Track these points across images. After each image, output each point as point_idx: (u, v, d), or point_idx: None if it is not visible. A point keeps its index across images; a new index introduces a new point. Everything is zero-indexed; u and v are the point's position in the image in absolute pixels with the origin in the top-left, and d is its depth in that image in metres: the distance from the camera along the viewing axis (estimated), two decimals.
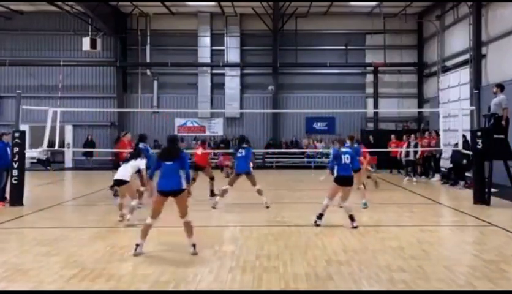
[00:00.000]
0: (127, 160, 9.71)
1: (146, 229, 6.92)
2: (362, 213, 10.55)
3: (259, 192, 11.13)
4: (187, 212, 6.89)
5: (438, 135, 16.08)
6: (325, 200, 8.90)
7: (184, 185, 6.86)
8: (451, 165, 15.86)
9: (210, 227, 9.04)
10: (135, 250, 6.81)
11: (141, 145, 11.26)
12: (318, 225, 8.77)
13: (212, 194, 12.32)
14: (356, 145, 11.48)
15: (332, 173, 8.93)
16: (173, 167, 6.86)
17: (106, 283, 5.62)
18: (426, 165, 18.10)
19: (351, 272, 5.99)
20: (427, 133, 18.73)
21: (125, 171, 9.22)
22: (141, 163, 9.48)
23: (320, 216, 8.89)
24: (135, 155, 9.68)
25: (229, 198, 11.86)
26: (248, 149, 11.42)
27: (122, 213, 9.30)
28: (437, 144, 16.37)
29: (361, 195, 11.09)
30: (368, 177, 14.41)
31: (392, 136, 20.51)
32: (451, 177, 15.74)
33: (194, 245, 6.82)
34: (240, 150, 11.20)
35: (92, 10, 21.23)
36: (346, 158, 8.82)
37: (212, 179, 12.55)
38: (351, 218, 8.70)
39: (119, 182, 9.22)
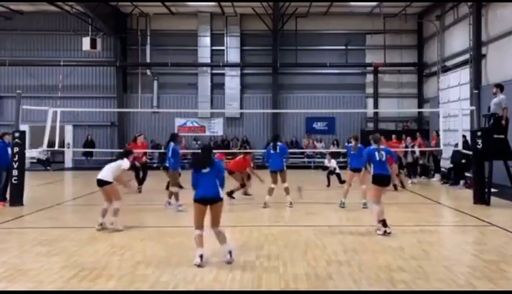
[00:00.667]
0: (111, 160, 9.33)
1: (199, 240, 6.46)
2: (362, 213, 10.56)
3: (286, 190, 11.34)
4: (219, 222, 6.59)
5: (438, 135, 16.04)
6: (376, 207, 8.36)
7: (222, 194, 6.59)
8: (451, 165, 15.83)
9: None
10: (200, 260, 6.28)
11: (171, 145, 11.10)
12: (388, 233, 8.06)
13: (230, 194, 12.13)
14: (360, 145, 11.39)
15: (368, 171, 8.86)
16: (209, 175, 6.54)
17: (106, 283, 5.62)
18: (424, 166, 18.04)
19: (351, 272, 5.99)
20: (417, 134, 18.58)
21: (107, 171, 8.69)
22: (123, 163, 8.88)
23: (383, 223, 8.18)
24: (123, 155, 9.17)
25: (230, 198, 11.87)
26: (283, 147, 11.64)
27: (103, 221, 8.65)
28: (437, 145, 16.35)
29: (363, 194, 11.10)
30: (397, 175, 14.76)
31: (393, 136, 20.48)
32: (451, 177, 15.73)
33: (230, 253, 6.52)
34: (273, 149, 11.40)
35: (92, 10, 21.23)
36: (381, 156, 8.39)
37: (242, 185, 12.52)
38: (384, 223, 8.16)
39: (101, 183, 8.63)
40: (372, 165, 8.51)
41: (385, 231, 8.09)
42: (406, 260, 6.57)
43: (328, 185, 15.48)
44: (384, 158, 8.42)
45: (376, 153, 8.44)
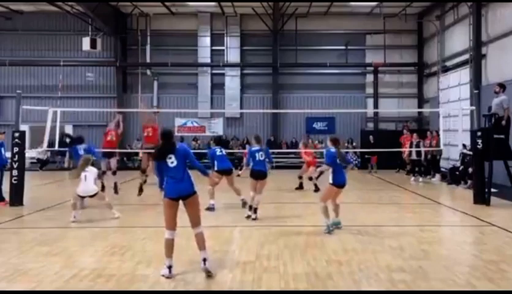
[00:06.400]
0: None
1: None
2: (362, 213, 10.56)
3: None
4: None
5: (438, 135, 16.04)
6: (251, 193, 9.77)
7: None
8: (460, 165, 15.65)
9: (210, 227, 9.03)
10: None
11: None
12: (249, 216, 9.63)
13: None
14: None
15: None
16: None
17: (106, 283, 5.62)
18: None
19: (351, 272, 5.99)
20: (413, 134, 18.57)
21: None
22: None
23: (250, 207, 9.76)
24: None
25: (229, 198, 11.85)
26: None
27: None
28: (437, 145, 16.35)
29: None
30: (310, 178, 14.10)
31: (405, 131, 20.34)
32: (455, 178, 15.55)
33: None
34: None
35: (92, 10, 21.23)
36: (260, 155, 9.88)
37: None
38: (255, 210, 9.63)
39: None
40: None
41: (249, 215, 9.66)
42: (406, 260, 6.57)
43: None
44: (262, 157, 9.89)
45: (256, 153, 9.88)
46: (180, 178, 5.90)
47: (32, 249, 7.24)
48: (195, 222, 5.99)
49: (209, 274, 5.77)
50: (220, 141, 11.83)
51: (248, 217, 9.70)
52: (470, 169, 14.22)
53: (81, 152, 11.12)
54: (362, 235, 8.17)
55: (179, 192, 5.90)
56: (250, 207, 9.78)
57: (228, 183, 11.03)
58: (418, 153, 17.05)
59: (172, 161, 5.90)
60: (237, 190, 11.10)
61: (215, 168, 10.80)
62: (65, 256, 6.80)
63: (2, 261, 6.57)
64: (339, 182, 8.36)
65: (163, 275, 5.80)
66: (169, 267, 5.84)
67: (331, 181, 8.39)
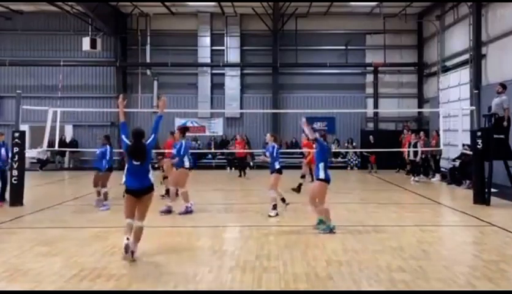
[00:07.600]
0: None
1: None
2: (362, 213, 10.56)
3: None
4: None
5: (438, 134, 16.04)
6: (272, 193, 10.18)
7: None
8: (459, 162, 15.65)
9: (209, 227, 9.04)
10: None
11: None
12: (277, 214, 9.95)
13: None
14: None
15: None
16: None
17: (106, 283, 5.62)
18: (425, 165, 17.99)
19: (351, 272, 5.99)
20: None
21: None
22: None
23: (274, 207, 10.07)
24: None
25: (227, 198, 11.87)
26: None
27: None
28: (437, 144, 16.35)
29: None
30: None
31: (405, 131, 20.38)
32: (455, 178, 15.53)
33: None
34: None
35: (92, 10, 21.22)
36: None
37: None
38: (283, 200, 10.43)
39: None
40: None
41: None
42: (406, 259, 6.58)
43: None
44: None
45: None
46: (140, 175, 6.52)
47: (32, 249, 7.25)
48: (140, 216, 6.57)
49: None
50: (186, 130, 10.90)
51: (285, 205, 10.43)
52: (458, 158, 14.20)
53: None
54: (362, 235, 8.17)
55: (137, 186, 6.50)
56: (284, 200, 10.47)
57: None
58: (415, 153, 17.13)
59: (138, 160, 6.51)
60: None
61: (189, 165, 10.31)
62: (65, 256, 6.80)
63: (2, 261, 6.58)
64: (329, 178, 8.35)
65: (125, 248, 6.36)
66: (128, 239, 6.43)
67: (322, 176, 8.27)
